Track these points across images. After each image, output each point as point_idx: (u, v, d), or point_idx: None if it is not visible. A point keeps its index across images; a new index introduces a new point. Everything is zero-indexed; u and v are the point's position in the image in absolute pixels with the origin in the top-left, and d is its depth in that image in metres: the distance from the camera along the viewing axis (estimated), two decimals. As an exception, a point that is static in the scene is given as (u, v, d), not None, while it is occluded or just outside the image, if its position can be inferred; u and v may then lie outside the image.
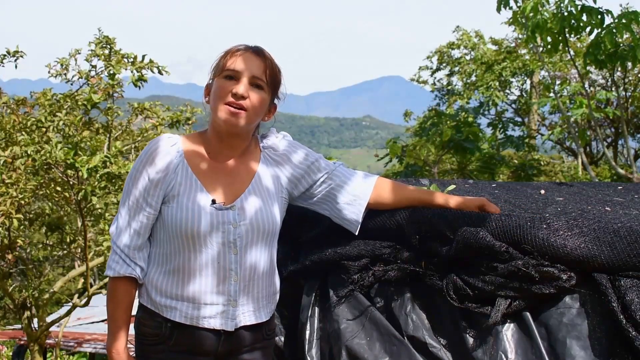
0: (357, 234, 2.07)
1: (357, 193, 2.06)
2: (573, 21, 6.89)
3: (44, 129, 6.72)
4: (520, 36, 17.98)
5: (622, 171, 10.01)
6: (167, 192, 1.94)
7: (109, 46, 6.81)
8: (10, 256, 7.56)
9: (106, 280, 8.96)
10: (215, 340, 1.96)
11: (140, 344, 2.00)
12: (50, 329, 9.19)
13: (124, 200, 1.96)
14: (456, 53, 20.86)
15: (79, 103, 6.74)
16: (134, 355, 2.03)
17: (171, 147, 1.96)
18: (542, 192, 2.69)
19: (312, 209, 2.14)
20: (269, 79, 1.96)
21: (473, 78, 19.85)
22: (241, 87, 1.91)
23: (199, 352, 1.96)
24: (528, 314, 1.75)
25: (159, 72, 6.83)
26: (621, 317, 1.59)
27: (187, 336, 1.95)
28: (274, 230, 2.01)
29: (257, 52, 1.97)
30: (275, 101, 2.06)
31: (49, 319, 9.18)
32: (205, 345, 1.96)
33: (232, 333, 1.97)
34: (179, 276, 1.93)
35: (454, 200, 2.02)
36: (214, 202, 1.93)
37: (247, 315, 1.98)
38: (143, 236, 1.96)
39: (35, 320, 8.90)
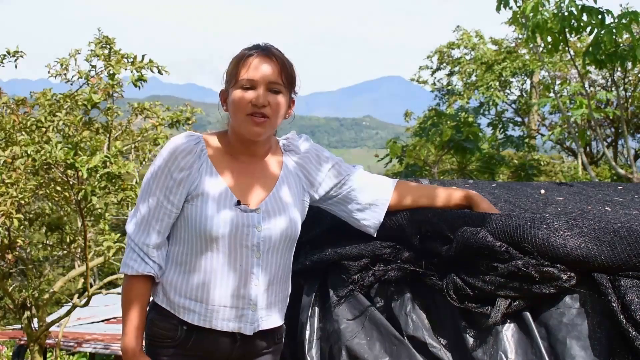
0: (375, 235, 2.07)
1: (377, 196, 2.06)
2: (573, 21, 6.89)
3: (44, 129, 6.71)
4: (520, 36, 17.99)
5: (622, 171, 10.02)
6: (190, 191, 1.90)
7: (108, 46, 6.80)
8: (10, 256, 7.56)
9: (106, 280, 9.01)
10: (230, 345, 1.94)
11: (150, 345, 1.96)
12: (50, 329, 9.18)
13: (144, 198, 1.92)
14: (456, 53, 20.88)
15: (79, 103, 6.74)
16: None
17: (195, 145, 1.93)
18: (542, 192, 2.69)
19: (329, 210, 2.13)
20: (285, 80, 1.95)
21: (473, 78, 19.85)
22: (260, 97, 1.90)
23: (212, 356, 1.94)
24: (528, 314, 1.75)
25: (159, 72, 6.82)
26: (621, 317, 1.59)
27: (203, 340, 1.92)
28: (295, 235, 2.00)
29: (268, 54, 1.95)
30: (293, 95, 2.04)
31: (49, 319, 9.17)
32: (219, 349, 1.94)
33: (248, 338, 1.95)
34: (199, 277, 1.90)
35: (474, 197, 2.02)
36: (238, 203, 1.91)
37: (265, 319, 1.96)
38: (163, 235, 1.93)
39: (35, 320, 8.89)
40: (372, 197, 2.06)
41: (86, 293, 8.01)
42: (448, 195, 2.05)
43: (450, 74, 21.34)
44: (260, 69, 1.92)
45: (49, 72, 6.96)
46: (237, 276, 1.90)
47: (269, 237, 1.93)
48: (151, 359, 1.94)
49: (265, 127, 1.92)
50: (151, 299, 2.01)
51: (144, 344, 1.99)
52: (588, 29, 6.88)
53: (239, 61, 1.94)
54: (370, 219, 2.06)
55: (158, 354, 1.94)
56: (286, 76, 1.95)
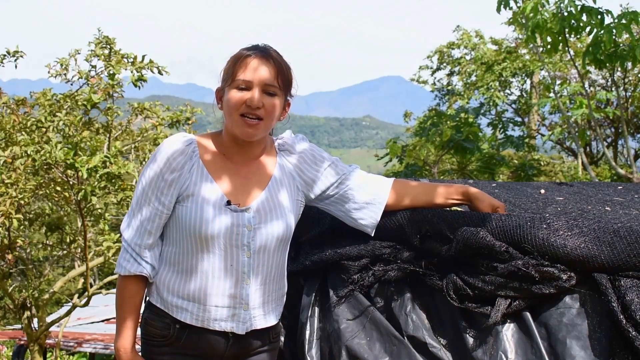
0: (372, 234, 2.07)
1: (374, 195, 2.06)
2: (573, 21, 6.89)
3: (44, 129, 6.71)
4: (520, 36, 17.99)
5: (622, 171, 10.02)
6: (181, 192, 1.92)
7: (108, 46, 6.80)
8: (10, 256, 7.56)
9: (106, 280, 9.01)
10: (223, 344, 1.96)
11: (145, 344, 1.99)
12: (50, 329, 9.19)
13: (137, 198, 1.95)
14: (456, 53, 20.87)
15: (79, 103, 6.74)
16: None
17: (186, 146, 1.94)
18: (542, 192, 2.69)
19: (326, 210, 2.13)
20: (281, 83, 1.95)
21: (473, 78, 19.85)
22: (255, 98, 1.90)
23: (206, 354, 1.96)
24: (528, 314, 1.75)
25: (159, 72, 6.82)
26: (621, 317, 1.59)
27: (196, 338, 1.94)
28: (287, 235, 2.00)
29: (266, 56, 1.94)
30: (289, 98, 2.04)
31: (49, 319, 9.17)
32: (213, 348, 1.95)
33: (241, 337, 1.96)
34: (191, 277, 1.92)
35: (473, 193, 2.02)
36: (229, 203, 1.91)
37: (258, 318, 1.98)
38: (154, 235, 1.94)
39: (35, 320, 8.89)
40: (369, 196, 2.06)
41: (86, 293, 8.01)
42: (447, 191, 2.04)
43: (450, 74, 21.34)
44: (257, 70, 1.92)
45: (49, 72, 6.96)
46: (229, 276, 1.92)
47: (260, 237, 1.93)
48: (146, 358, 1.97)
49: (258, 128, 1.93)
50: (147, 298, 2.02)
51: (138, 343, 2.00)
52: (588, 29, 6.88)
53: (237, 61, 1.94)
54: (368, 218, 2.05)
55: (153, 353, 1.97)
56: (282, 79, 1.95)
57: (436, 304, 1.93)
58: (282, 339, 2.24)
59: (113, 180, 6.27)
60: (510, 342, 1.75)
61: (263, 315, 1.99)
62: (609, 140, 17.76)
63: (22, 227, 7.96)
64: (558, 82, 15.76)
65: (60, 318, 9.10)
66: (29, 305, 8.64)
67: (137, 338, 1.99)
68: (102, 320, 13.04)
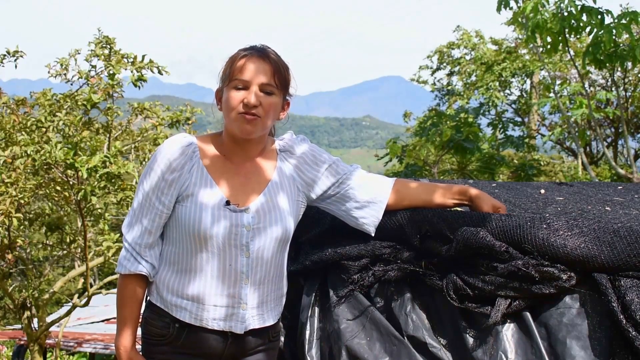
0: (374, 234, 2.07)
1: (375, 194, 2.06)
2: (573, 21, 6.89)
3: (43, 129, 6.71)
4: (520, 36, 17.98)
5: (622, 171, 10.02)
6: (181, 192, 1.93)
7: (108, 46, 6.80)
8: (10, 256, 7.56)
9: (106, 280, 9.01)
10: (222, 343, 1.97)
11: (145, 343, 2.00)
12: (50, 329, 9.19)
13: (137, 198, 1.96)
14: (456, 53, 20.88)
15: (79, 103, 6.74)
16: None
17: (186, 147, 1.96)
18: (542, 192, 2.69)
19: (327, 209, 2.13)
20: (278, 82, 1.96)
21: (473, 78, 19.85)
22: (252, 97, 1.91)
23: (204, 354, 1.96)
24: (528, 314, 1.75)
25: (159, 72, 6.82)
26: (621, 317, 1.59)
27: (195, 337, 1.95)
28: (286, 237, 2.00)
29: (263, 55, 1.95)
30: (287, 97, 2.04)
31: (49, 319, 9.17)
32: (212, 347, 1.96)
33: (240, 336, 1.97)
34: (190, 276, 1.93)
35: (473, 192, 2.02)
36: (228, 203, 1.92)
37: (256, 318, 1.98)
38: (154, 234, 1.96)
39: (35, 320, 8.89)
40: (370, 195, 2.06)
41: (86, 293, 8.01)
42: (447, 192, 2.05)
43: (450, 74, 21.35)
44: (254, 70, 1.93)
45: (49, 72, 6.96)
46: (227, 276, 1.93)
47: (259, 238, 1.94)
48: (146, 357, 1.98)
49: (256, 125, 1.93)
50: (148, 298, 2.03)
51: (139, 342, 2.01)
52: (588, 29, 6.89)
53: (234, 61, 1.95)
54: (369, 217, 2.06)
55: (152, 352, 1.98)
56: (279, 78, 1.96)
57: (436, 304, 1.93)
58: (282, 339, 2.25)
59: (113, 180, 6.27)
60: (510, 342, 1.75)
61: (261, 315, 1.99)
62: (609, 140, 17.76)
63: (22, 227, 7.96)
64: (558, 82, 15.77)
65: (60, 318, 9.10)
66: (29, 305, 8.64)
67: (138, 337, 2.00)
68: (102, 320, 13.05)
